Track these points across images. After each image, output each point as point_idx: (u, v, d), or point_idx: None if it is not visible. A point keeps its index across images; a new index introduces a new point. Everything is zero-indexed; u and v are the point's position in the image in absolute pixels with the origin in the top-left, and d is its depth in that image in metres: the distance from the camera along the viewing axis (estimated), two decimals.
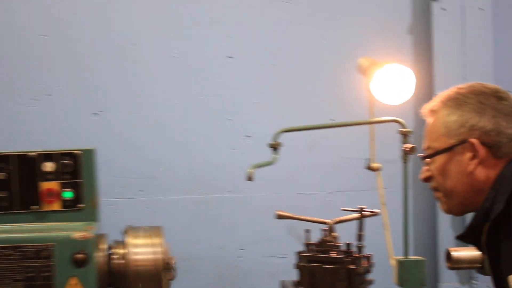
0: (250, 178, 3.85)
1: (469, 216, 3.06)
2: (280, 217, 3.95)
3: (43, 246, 3.34)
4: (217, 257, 5.50)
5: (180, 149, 5.50)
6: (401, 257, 3.76)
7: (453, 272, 5.34)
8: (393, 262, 3.80)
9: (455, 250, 3.97)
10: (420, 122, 5.18)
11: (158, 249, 3.62)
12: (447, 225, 5.42)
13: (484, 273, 4.31)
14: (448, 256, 3.94)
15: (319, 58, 5.48)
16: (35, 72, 5.41)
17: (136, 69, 5.45)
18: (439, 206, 2.91)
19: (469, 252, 3.92)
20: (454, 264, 3.91)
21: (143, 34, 5.51)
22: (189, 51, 5.52)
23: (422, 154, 2.83)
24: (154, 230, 3.73)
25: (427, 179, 2.88)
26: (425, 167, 2.87)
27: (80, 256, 3.32)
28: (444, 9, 5.40)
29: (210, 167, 5.48)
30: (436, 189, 2.85)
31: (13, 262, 3.33)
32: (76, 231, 3.41)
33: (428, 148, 2.73)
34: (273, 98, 5.53)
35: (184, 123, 5.51)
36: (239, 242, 5.55)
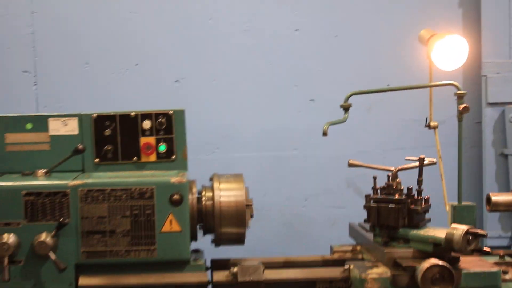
0: (325, 133, 3.93)
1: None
2: (351, 165, 4.11)
3: (146, 189, 3.63)
4: (284, 207, 5.73)
5: (252, 112, 5.69)
6: (455, 203, 3.95)
7: (497, 221, 5.54)
8: (448, 207, 4.00)
9: (495, 195, 4.14)
10: (470, 86, 5.46)
11: (239, 192, 3.87)
12: (492, 179, 5.57)
13: None
14: (488, 200, 4.12)
15: (377, 29, 5.67)
16: (125, 46, 5.73)
17: (212, 42, 5.68)
18: None
19: (507, 197, 4.12)
20: (493, 207, 4.11)
21: (219, 10, 5.73)
22: (260, 25, 5.72)
23: None
24: (236, 177, 3.97)
25: None
26: None
27: (176, 197, 3.61)
28: None
29: (278, 128, 5.64)
30: None
31: (121, 201, 3.62)
32: (172, 176, 3.68)
33: None
34: (336, 66, 5.66)
35: (256, 89, 5.70)
36: (304, 194, 5.78)
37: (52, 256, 3.52)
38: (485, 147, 5.52)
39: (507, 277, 3.67)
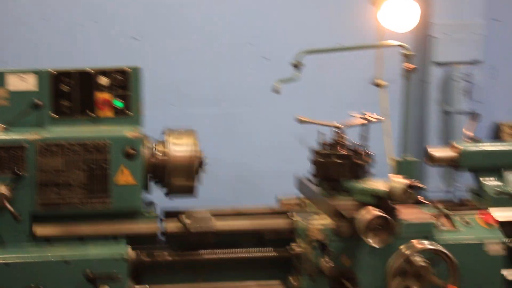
0: (276, 91, 4.02)
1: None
2: (300, 121, 4.09)
3: (102, 143, 3.70)
4: (236, 161, 5.79)
5: (206, 69, 5.70)
6: (398, 158, 4.08)
7: (438, 175, 5.66)
8: (391, 162, 4.12)
9: (433, 150, 4.35)
10: (418, 46, 5.57)
11: (191, 147, 3.92)
12: (435, 136, 5.69)
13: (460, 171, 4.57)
14: (427, 154, 4.28)
15: None
16: (84, 1, 5.65)
17: (166, 1, 5.69)
18: None
19: (444, 152, 4.29)
20: (431, 161, 4.32)
21: None
22: None
23: None
24: (187, 132, 4.01)
25: None
26: None
27: (130, 150, 3.68)
28: None
29: (232, 85, 5.69)
30: None
31: (78, 155, 3.69)
32: (127, 131, 3.76)
33: None
34: (289, 26, 5.68)
35: (210, 46, 5.72)
36: (255, 149, 5.83)
37: (9, 207, 3.58)
38: (429, 105, 5.60)
39: (445, 227, 3.86)
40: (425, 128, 5.65)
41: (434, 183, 5.58)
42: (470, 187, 4.46)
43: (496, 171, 4.24)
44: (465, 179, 5.22)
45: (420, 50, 5.56)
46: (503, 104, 5.76)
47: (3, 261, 3.59)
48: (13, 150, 3.66)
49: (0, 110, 3.84)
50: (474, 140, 4.44)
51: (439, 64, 5.54)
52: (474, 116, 5.21)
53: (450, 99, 5.52)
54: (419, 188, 3.61)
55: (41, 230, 3.74)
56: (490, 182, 4.22)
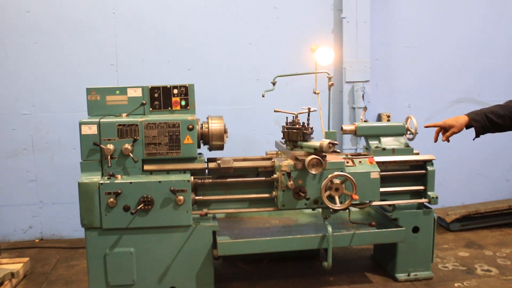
0: (263, 96, 4.05)
1: None
2: (276, 111, 4.08)
3: (176, 123, 3.84)
4: (244, 133, 5.57)
5: (228, 87, 5.52)
6: (327, 130, 4.10)
7: (349, 140, 5.62)
8: (323, 133, 4.17)
9: (345, 126, 4.33)
10: (337, 72, 5.45)
11: (221, 125, 4.00)
12: (347, 120, 5.58)
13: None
14: (341, 128, 4.33)
15: (292, 43, 5.50)
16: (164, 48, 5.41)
17: (214, 49, 5.46)
18: None
19: (350, 127, 4.30)
20: (343, 131, 4.32)
21: None
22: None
23: None
24: (219, 117, 4.05)
25: None
26: None
27: (190, 126, 3.79)
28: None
29: (241, 94, 5.49)
30: None
31: (164, 129, 3.82)
32: (188, 116, 3.86)
33: None
34: (270, 61, 5.47)
35: (228, 76, 5.49)
36: (253, 127, 5.65)
37: (131, 155, 3.79)
38: (344, 103, 5.56)
39: (350, 164, 3.94)
40: (342, 116, 5.59)
41: (347, 144, 5.58)
42: (364, 146, 4.47)
43: (376, 137, 4.30)
44: (361, 142, 5.41)
45: (338, 74, 5.53)
46: (382, 103, 5.73)
47: (129, 181, 3.73)
48: (132, 126, 3.80)
49: (124, 107, 3.95)
50: (364, 121, 4.48)
51: (348, 82, 5.48)
52: (364, 108, 5.30)
53: (354, 101, 5.49)
54: (335, 144, 3.65)
55: (147, 167, 3.87)
56: (373, 142, 4.29)
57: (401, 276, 4.27)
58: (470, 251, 4.96)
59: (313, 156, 3.71)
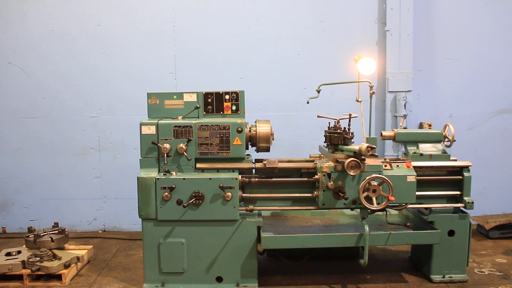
0: (308, 102, 4.03)
1: None
2: (320, 117, 4.17)
3: (226, 125, 3.93)
4: (288, 138, 5.62)
5: (275, 95, 5.59)
6: (368, 136, 3.98)
7: (390, 146, 5.57)
8: (364, 138, 4.01)
9: (384, 132, 4.33)
10: (380, 82, 5.44)
11: (267, 128, 4.04)
12: (389, 127, 5.53)
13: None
14: (381, 134, 4.33)
15: (338, 55, 5.53)
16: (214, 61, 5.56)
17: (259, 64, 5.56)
18: None
19: (390, 133, 4.26)
20: (383, 137, 4.29)
21: None
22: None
23: None
24: (266, 121, 4.10)
25: None
26: None
27: (239, 129, 3.87)
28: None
29: (287, 101, 5.55)
30: None
31: (215, 130, 3.93)
32: (238, 120, 3.98)
33: None
34: (316, 74, 5.52)
35: (276, 84, 5.58)
36: (299, 133, 5.66)
37: (185, 154, 3.91)
38: (386, 112, 5.54)
39: (387, 168, 3.97)
40: (384, 124, 5.55)
41: (388, 150, 5.51)
42: (402, 152, 4.46)
43: (415, 143, 4.29)
44: (402, 149, 5.13)
45: (381, 84, 5.63)
46: (424, 113, 5.65)
47: (182, 177, 3.86)
48: (187, 128, 3.91)
49: (180, 110, 4.09)
50: (404, 128, 4.51)
51: (390, 91, 5.46)
52: (404, 116, 5.25)
53: (396, 109, 5.46)
54: (373, 148, 3.64)
55: (199, 165, 3.97)
56: (411, 148, 4.28)
57: (436, 277, 4.23)
58: (508, 258, 4.84)
59: (352, 158, 3.75)
